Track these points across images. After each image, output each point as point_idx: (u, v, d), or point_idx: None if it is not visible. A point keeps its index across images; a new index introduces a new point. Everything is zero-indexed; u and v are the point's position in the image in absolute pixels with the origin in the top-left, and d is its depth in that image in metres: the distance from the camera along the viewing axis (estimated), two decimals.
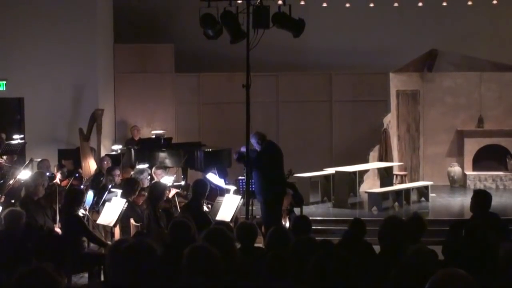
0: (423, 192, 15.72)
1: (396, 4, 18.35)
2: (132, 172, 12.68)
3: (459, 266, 4.78)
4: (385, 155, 17.24)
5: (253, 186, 11.41)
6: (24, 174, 12.07)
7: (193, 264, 4.89)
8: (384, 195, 14.90)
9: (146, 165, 13.08)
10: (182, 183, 13.14)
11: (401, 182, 16.82)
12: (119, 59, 18.15)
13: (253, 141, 11.31)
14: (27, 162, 13.30)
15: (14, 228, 8.31)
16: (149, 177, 12.18)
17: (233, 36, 10.92)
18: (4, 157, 15.24)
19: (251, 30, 10.73)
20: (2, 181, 12.84)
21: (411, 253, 5.73)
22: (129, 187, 10.76)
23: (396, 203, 14.88)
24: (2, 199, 11.69)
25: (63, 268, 9.00)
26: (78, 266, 9.53)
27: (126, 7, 18.29)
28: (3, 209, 9.95)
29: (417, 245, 5.97)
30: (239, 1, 11.35)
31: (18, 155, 15.44)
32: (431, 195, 15.71)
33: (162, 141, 15.22)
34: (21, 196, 11.51)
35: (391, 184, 16.16)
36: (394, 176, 16.72)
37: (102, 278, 9.19)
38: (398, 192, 15.12)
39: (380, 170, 16.55)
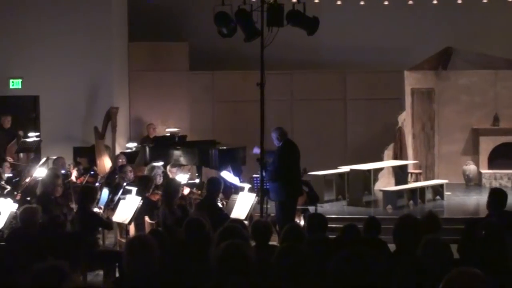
0: (438, 190, 15.67)
1: (411, 2, 18.29)
2: (145, 170, 12.71)
3: (474, 265, 4.76)
4: (400, 153, 17.19)
5: (268, 184, 11.40)
6: (40, 172, 12.12)
7: (226, 261, 4.86)
8: (399, 193, 14.85)
9: (160, 163, 13.11)
10: (197, 181, 13.16)
11: (416, 180, 16.78)
12: (133, 57, 18.19)
13: (273, 135, 11.30)
14: (43, 160, 13.36)
15: (30, 226, 8.35)
16: (162, 174, 12.20)
17: (247, 34, 10.91)
18: (21, 154, 15.36)
19: (265, 28, 10.73)
20: (18, 179, 12.91)
21: (425, 244, 5.68)
22: (143, 185, 10.79)
23: (411, 202, 14.84)
24: (18, 197, 11.75)
25: (78, 265, 9.06)
26: (93, 263, 9.57)
27: (140, 6, 18.31)
28: (19, 207, 10.00)
29: (431, 236, 5.91)
30: None
31: (34, 153, 15.54)
32: (446, 193, 15.65)
33: (177, 139, 15.23)
34: (36, 194, 11.56)
35: (406, 182, 16.12)
36: (409, 174, 16.69)
37: (117, 276, 9.22)
38: (413, 190, 15.07)
39: (394, 168, 16.51)
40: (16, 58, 16.41)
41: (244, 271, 4.80)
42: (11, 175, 13.33)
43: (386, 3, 18.30)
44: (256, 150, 11.38)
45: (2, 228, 9.74)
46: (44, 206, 9.84)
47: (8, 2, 16.40)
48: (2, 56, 16.42)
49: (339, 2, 18.23)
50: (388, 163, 16.76)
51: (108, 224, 10.27)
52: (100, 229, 10.52)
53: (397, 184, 15.98)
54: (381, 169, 16.44)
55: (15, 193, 12.04)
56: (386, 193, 14.75)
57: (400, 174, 16.27)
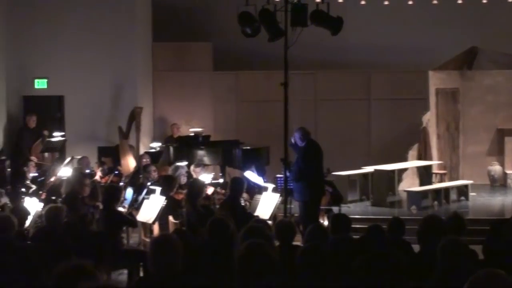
0: (462, 191, 15.57)
1: (435, 1, 18.20)
2: (169, 169, 12.75)
3: (500, 266, 4.73)
4: (424, 154, 17.12)
5: (291, 184, 11.40)
6: (65, 172, 12.19)
7: (248, 260, 4.86)
8: (423, 194, 14.78)
9: (184, 163, 13.14)
10: (221, 180, 13.18)
11: (441, 181, 16.69)
12: (157, 57, 18.25)
13: (296, 136, 11.31)
14: (68, 160, 13.43)
15: (55, 225, 8.40)
16: (186, 174, 12.23)
17: (271, 34, 10.92)
18: (46, 154, 15.46)
19: (289, 28, 10.72)
20: (43, 178, 13.00)
21: (443, 245, 5.62)
22: (167, 184, 10.82)
23: (436, 202, 14.76)
24: (43, 196, 11.83)
25: (102, 264, 9.09)
26: (117, 262, 9.60)
27: (164, 6, 18.36)
28: (44, 206, 10.07)
29: (450, 237, 5.85)
30: None
31: (59, 152, 15.63)
32: (471, 194, 15.55)
33: (200, 139, 15.26)
34: (61, 193, 11.63)
35: (431, 182, 16.05)
36: (434, 175, 16.61)
37: (141, 275, 9.25)
38: (437, 191, 15.00)
39: (419, 168, 16.44)
40: (42, 58, 16.51)
41: (266, 270, 4.80)
42: (36, 174, 13.43)
43: (410, 2, 18.23)
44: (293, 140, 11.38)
45: (28, 227, 9.81)
46: (71, 205, 9.89)
47: (34, 2, 16.50)
48: (27, 57, 16.53)
49: (363, 2, 18.19)
50: (413, 163, 16.69)
51: (132, 222, 10.31)
52: (124, 228, 10.57)
53: (421, 184, 15.91)
54: (405, 169, 16.37)
55: (40, 192, 12.13)
56: (410, 193, 14.69)
57: (425, 175, 16.20)
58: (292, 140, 11.38)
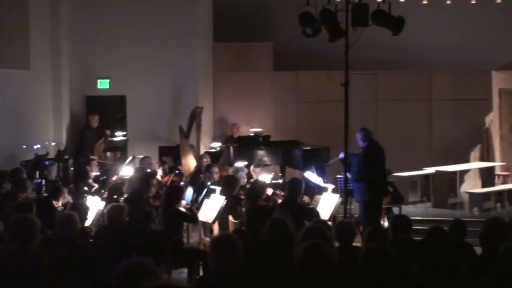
0: None
1: (498, 1, 17.92)
2: (230, 170, 12.80)
3: None
4: (487, 155, 16.88)
5: (352, 184, 11.35)
6: (126, 171, 12.33)
7: (306, 261, 4.85)
8: (486, 195, 14.59)
9: (244, 163, 13.17)
10: (280, 181, 13.18)
11: (504, 182, 16.43)
12: (218, 57, 18.33)
13: (358, 136, 11.30)
14: (129, 159, 13.58)
15: (117, 223, 8.50)
16: (247, 175, 12.27)
17: (331, 34, 10.89)
18: (108, 153, 15.67)
19: (350, 28, 10.68)
20: (105, 177, 13.17)
21: (503, 250, 5.53)
22: (229, 185, 10.86)
23: (498, 204, 14.55)
24: (105, 195, 11.99)
25: (163, 263, 9.18)
26: (177, 261, 9.68)
27: (225, 6, 18.43)
28: (106, 205, 10.20)
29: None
30: None
31: (121, 152, 15.82)
32: None
33: (260, 139, 15.28)
34: (122, 192, 11.77)
35: (493, 184, 15.82)
36: (496, 176, 16.36)
37: (201, 274, 9.32)
38: (500, 193, 14.80)
39: (481, 170, 16.21)
40: (104, 59, 16.74)
41: (324, 271, 4.78)
42: (98, 173, 13.61)
43: (473, 2, 17.97)
44: (342, 156, 11.36)
45: (90, 225, 9.96)
46: (135, 203, 10.01)
47: (96, 4, 16.73)
48: (90, 57, 16.77)
49: (425, 1, 17.99)
50: (475, 164, 16.47)
51: (193, 218, 10.36)
52: (184, 227, 10.64)
53: (483, 186, 15.68)
54: (467, 170, 16.18)
55: (102, 191, 12.29)
56: (472, 195, 14.52)
57: (487, 176, 15.97)
58: (341, 156, 11.35)
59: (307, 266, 4.82)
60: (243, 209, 10.41)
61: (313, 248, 4.89)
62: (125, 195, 11.37)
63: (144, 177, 11.16)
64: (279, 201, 10.99)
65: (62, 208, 10.02)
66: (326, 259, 4.84)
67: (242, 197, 10.94)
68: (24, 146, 14.20)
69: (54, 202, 9.95)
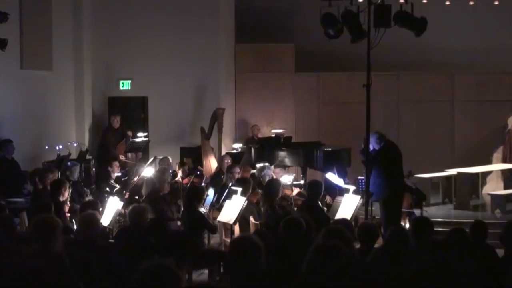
0: None
1: None
2: (253, 171, 12.82)
3: None
4: (509, 157, 16.75)
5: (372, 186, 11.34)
6: (148, 172, 12.38)
7: (316, 262, 4.83)
8: (508, 197, 14.49)
9: (266, 164, 13.18)
10: (302, 182, 13.17)
11: None
12: (240, 58, 18.35)
13: (372, 140, 11.27)
14: (150, 160, 13.64)
15: (138, 224, 8.52)
16: (272, 174, 12.29)
17: (354, 35, 10.85)
18: (129, 154, 15.73)
19: (372, 29, 10.65)
20: (127, 178, 13.23)
21: None
22: (243, 186, 10.83)
23: None
24: (127, 196, 12.04)
25: (184, 264, 9.20)
26: (198, 262, 9.69)
27: (247, 7, 18.44)
28: (127, 205, 10.24)
29: None
30: (360, 0, 11.26)
31: (142, 152, 15.88)
32: None
33: (282, 140, 15.28)
34: (142, 193, 11.82)
35: None
36: None
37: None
38: None
39: (504, 171, 16.11)
40: (126, 60, 16.82)
41: (335, 272, 4.73)
42: (120, 174, 13.67)
43: (496, 3, 17.87)
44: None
45: (108, 225, 9.99)
46: (153, 203, 10.04)
47: (119, 6, 16.81)
48: (112, 58, 16.85)
49: (447, 2, 17.92)
50: (497, 166, 16.37)
51: (213, 228, 10.35)
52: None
53: (506, 188, 15.58)
54: (489, 172, 16.07)
55: (124, 192, 12.34)
56: (494, 197, 14.43)
57: (510, 178, 15.87)
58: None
59: (316, 267, 4.78)
60: (262, 210, 10.41)
61: (323, 249, 4.84)
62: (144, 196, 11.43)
63: (157, 175, 11.23)
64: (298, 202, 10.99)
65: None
66: (337, 260, 4.79)
67: (258, 197, 10.93)
68: (47, 147, 14.30)
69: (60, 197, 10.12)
